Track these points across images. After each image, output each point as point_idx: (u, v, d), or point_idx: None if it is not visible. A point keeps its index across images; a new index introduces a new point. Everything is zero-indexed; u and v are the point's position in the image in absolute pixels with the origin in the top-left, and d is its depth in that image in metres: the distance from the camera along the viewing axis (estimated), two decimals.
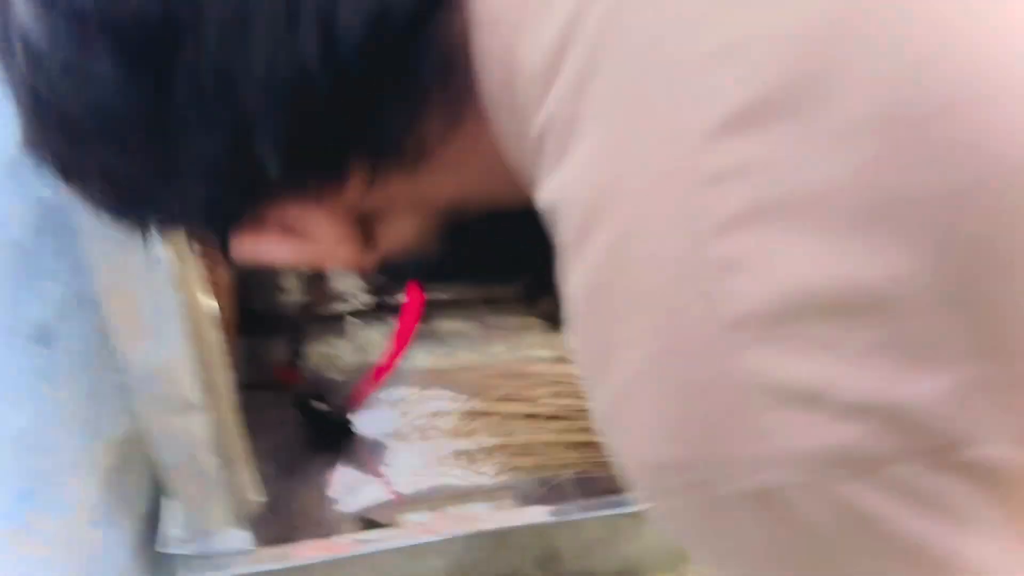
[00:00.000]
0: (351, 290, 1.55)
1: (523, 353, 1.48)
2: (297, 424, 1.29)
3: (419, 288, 1.19)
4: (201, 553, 0.98)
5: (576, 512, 1.10)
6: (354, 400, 1.31)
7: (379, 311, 1.54)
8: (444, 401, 1.36)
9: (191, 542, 0.98)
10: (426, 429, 1.31)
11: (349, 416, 1.32)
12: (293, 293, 1.45)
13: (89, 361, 0.93)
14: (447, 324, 1.55)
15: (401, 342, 1.22)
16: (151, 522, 1.05)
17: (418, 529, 1.08)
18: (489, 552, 1.09)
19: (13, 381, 0.74)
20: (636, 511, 1.10)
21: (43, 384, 0.79)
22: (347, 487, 1.22)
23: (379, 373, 1.27)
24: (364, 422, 1.31)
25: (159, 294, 0.77)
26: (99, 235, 0.73)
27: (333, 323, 1.50)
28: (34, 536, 0.74)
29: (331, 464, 1.27)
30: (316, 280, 1.43)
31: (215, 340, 0.85)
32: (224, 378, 0.88)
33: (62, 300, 0.86)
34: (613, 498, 1.11)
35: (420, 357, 1.47)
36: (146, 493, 1.05)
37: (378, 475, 1.24)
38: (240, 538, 0.98)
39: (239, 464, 0.93)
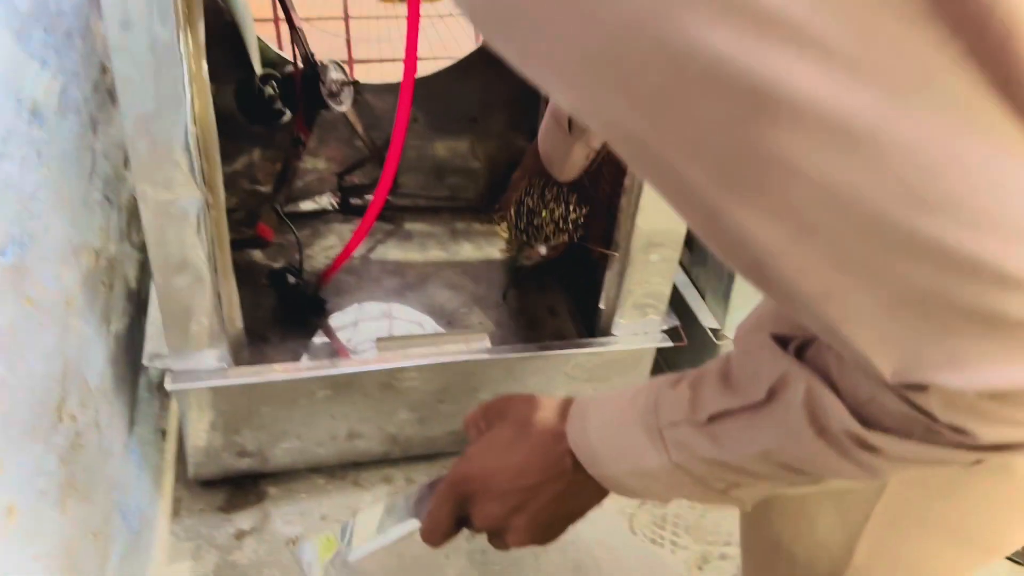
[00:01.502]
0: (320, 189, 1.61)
1: (486, 252, 1.54)
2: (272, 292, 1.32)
3: (384, 191, 1.25)
4: (182, 369, 1.01)
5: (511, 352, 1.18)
6: (323, 279, 1.35)
7: (344, 209, 1.61)
8: None
9: (172, 359, 1.00)
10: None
11: (320, 294, 1.36)
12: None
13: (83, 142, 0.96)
14: (418, 226, 1.61)
15: (362, 232, 1.27)
16: (128, 340, 1.08)
17: (380, 358, 1.12)
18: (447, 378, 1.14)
19: (18, 146, 0.77)
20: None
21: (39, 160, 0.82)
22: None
23: (342, 257, 1.32)
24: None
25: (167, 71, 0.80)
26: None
27: (305, 219, 1.56)
28: (29, 283, 0.76)
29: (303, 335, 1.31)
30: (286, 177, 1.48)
31: (212, 133, 0.88)
32: (218, 174, 0.90)
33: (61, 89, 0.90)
34: None
35: (393, 252, 1.53)
36: (122, 312, 1.07)
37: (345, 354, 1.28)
38: (218, 357, 1.01)
39: (224, 283, 0.96)
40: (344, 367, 1.09)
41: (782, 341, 0.45)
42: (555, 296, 1.46)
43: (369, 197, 1.58)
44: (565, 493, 0.54)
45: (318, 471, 1.19)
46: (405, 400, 1.15)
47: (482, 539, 1.08)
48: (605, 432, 0.52)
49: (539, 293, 1.46)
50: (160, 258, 0.90)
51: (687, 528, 1.13)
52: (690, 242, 1.20)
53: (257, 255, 1.44)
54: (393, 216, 1.61)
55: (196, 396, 1.04)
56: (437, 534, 0.57)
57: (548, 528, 0.56)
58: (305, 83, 1.29)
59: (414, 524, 0.58)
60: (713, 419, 0.46)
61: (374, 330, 1.34)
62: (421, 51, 1.08)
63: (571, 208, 1.16)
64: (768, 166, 0.31)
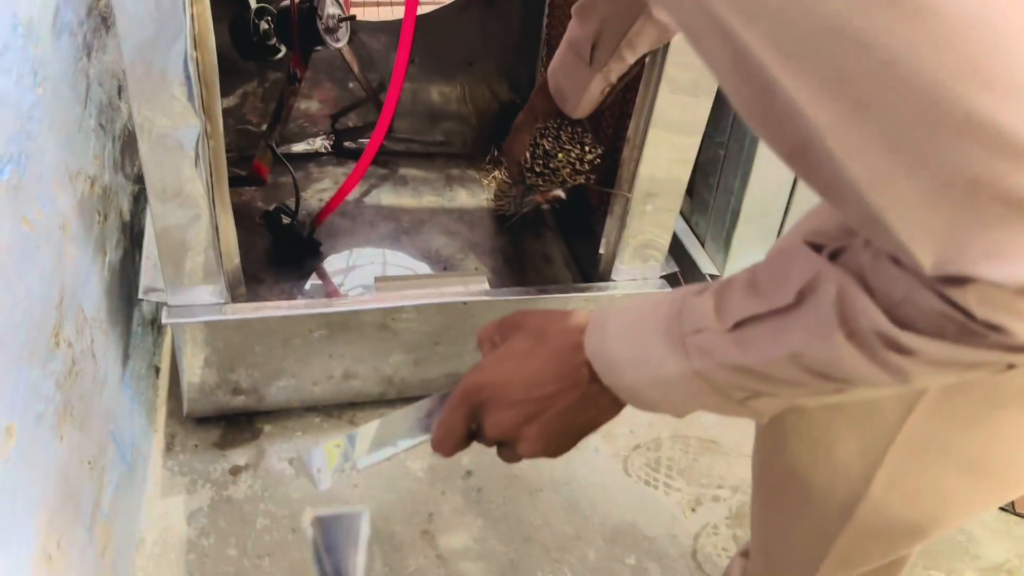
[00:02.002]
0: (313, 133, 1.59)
1: (481, 199, 1.53)
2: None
3: (382, 131, 1.23)
4: (178, 304, 1.00)
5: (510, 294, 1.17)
6: (318, 221, 1.34)
7: (338, 152, 1.59)
8: None
9: (168, 293, 0.99)
10: None
11: (314, 236, 1.34)
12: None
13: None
14: (412, 171, 1.59)
15: (359, 172, 1.25)
16: (122, 273, 1.07)
17: (378, 297, 1.12)
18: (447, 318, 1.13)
19: (14, 62, 0.74)
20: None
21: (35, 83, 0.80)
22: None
23: (338, 197, 1.30)
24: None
25: None
26: None
27: (298, 161, 1.54)
28: (25, 203, 0.75)
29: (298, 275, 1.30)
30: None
31: (212, 59, 0.86)
32: (217, 103, 0.88)
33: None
34: None
35: (387, 197, 1.51)
36: (116, 243, 1.06)
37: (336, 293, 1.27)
38: (214, 292, 1.00)
39: (222, 216, 0.95)
40: (341, 306, 1.08)
41: (815, 248, 0.44)
42: (550, 244, 1.45)
43: (364, 140, 1.56)
44: (580, 404, 0.54)
45: (314, 410, 1.18)
46: (401, 341, 1.14)
47: (478, 478, 1.10)
48: (625, 341, 0.51)
49: (535, 240, 1.45)
50: (157, 188, 0.89)
51: (680, 471, 1.14)
52: (691, 189, 1.19)
53: (251, 196, 1.42)
54: (387, 161, 1.60)
55: (192, 331, 1.03)
56: (449, 442, 0.57)
57: (560, 439, 0.55)
58: (302, 18, 1.26)
59: (424, 436, 0.57)
60: (739, 325, 0.45)
61: (368, 273, 1.33)
62: None
63: (587, 149, 1.14)
64: (829, 34, 0.31)
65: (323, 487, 0.49)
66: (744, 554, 0.85)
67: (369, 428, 0.53)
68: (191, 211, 0.91)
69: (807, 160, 0.37)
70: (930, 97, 0.30)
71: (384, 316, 1.10)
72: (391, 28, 1.57)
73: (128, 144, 1.15)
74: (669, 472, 1.14)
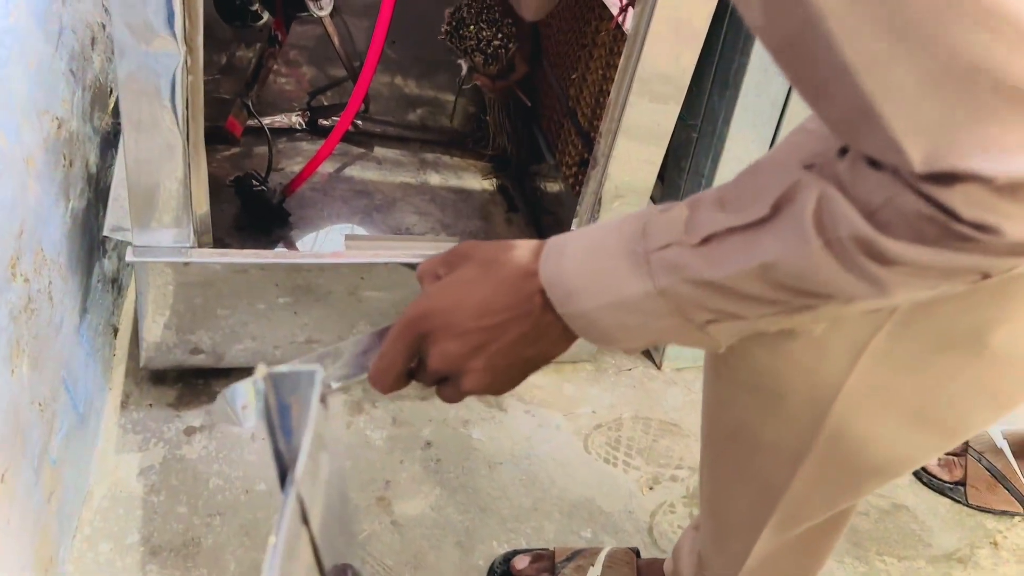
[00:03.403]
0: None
1: (453, 183, 1.53)
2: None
3: (359, 96, 1.23)
4: (144, 244, 0.98)
5: None
6: (289, 189, 1.33)
7: (312, 129, 1.58)
8: None
9: (135, 232, 0.97)
10: None
11: (284, 205, 1.33)
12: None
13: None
14: (387, 152, 1.59)
15: (334, 139, 1.25)
16: (85, 222, 1.05)
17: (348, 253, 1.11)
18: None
19: None
20: None
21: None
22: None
23: (311, 166, 1.30)
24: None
25: None
26: None
27: (272, 135, 1.53)
28: None
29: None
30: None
31: None
32: (199, 35, 0.87)
33: None
34: None
35: (361, 175, 1.51)
36: (80, 192, 1.04)
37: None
38: (181, 236, 0.99)
39: (195, 156, 0.93)
40: (310, 258, 1.07)
41: (782, 163, 0.44)
42: (521, 231, 1.45)
43: (338, 119, 1.56)
44: (529, 335, 0.51)
45: None
46: (367, 309, 1.14)
47: (437, 449, 1.09)
48: (584, 263, 0.49)
49: (505, 225, 1.45)
50: (132, 116, 0.87)
51: (640, 451, 1.14)
52: (662, 174, 1.20)
53: (221, 162, 1.41)
54: (362, 142, 1.59)
55: (156, 273, 1.01)
56: (389, 376, 0.53)
57: (506, 373, 0.53)
58: None
59: (359, 375, 0.53)
60: (708, 240, 0.44)
61: (337, 246, 1.32)
62: None
63: (498, 35, 1.18)
64: None
65: (247, 425, 0.47)
66: (696, 527, 0.85)
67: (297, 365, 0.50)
68: (164, 144, 0.89)
69: (803, 49, 0.36)
70: None
71: (351, 281, 1.09)
72: (373, 11, 1.57)
73: (98, 96, 1.13)
74: (628, 451, 1.14)
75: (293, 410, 0.33)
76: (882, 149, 0.36)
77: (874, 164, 0.38)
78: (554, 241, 0.51)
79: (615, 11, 1.10)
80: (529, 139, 1.52)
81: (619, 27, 1.08)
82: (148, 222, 0.96)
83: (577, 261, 0.49)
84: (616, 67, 1.05)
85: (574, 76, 1.27)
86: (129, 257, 0.97)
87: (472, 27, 1.20)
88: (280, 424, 0.33)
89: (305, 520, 0.30)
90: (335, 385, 0.53)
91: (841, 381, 0.55)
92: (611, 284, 0.48)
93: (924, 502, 1.14)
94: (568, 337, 0.52)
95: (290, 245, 1.32)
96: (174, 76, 0.85)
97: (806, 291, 0.43)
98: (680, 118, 1.05)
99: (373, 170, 1.53)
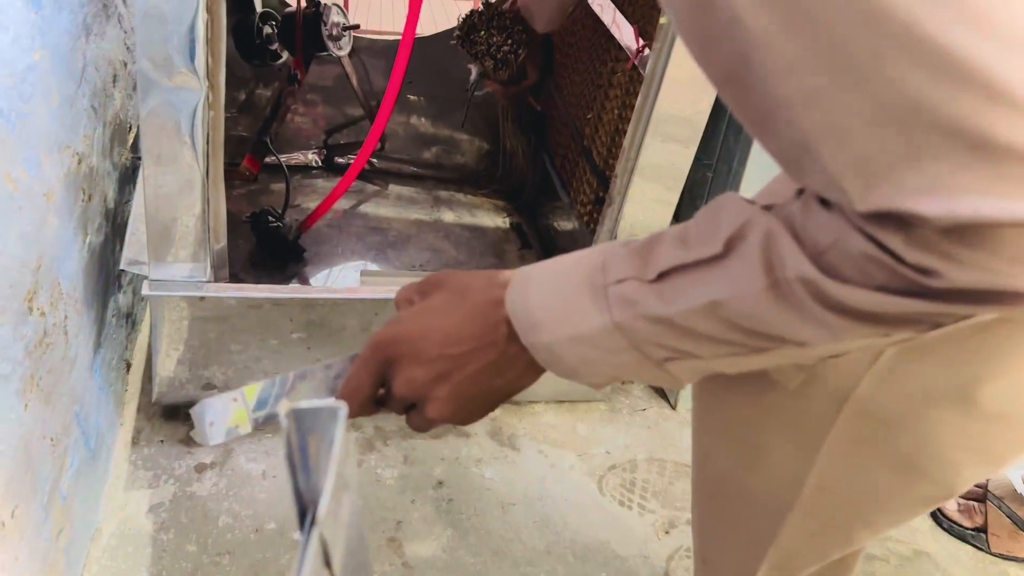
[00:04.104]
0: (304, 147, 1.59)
1: (467, 220, 1.53)
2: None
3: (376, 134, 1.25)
4: (159, 277, 0.98)
5: None
6: (304, 226, 1.33)
7: (328, 167, 1.59)
8: None
9: (152, 266, 0.98)
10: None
11: (299, 241, 1.34)
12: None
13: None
14: (402, 190, 1.59)
15: (350, 176, 1.25)
16: (102, 257, 1.05)
17: (363, 289, 1.11)
18: None
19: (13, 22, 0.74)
20: None
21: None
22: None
23: (327, 203, 1.30)
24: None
25: None
26: None
27: (290, 172, 1.54)
28: (12, 162, 0.74)
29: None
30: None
31: (221, 25, 0.85)
32: (221, 73, 0.88)
33: None
34: None
35: (375, 211, 1.51)
36: (98, 227, 1.04)
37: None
38: (198, 269, 0.99)
39: (214, 191, 0.94)
40: (326, 293, 1.07)
41: (745, 200, 0.43)
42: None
43: (353, 156, 1.57)
44: (495, 365, 0.50)
45: None
46: None
47: (449, 489, 1.07)
48: (546, 294, 0.48)
49: (520, 262, 1.45)
50: (153, 151, 0.88)
51: (655, 494, 1.13)
52: (678, 212, 1.20)
53: (237, 199, 1.42)
54: (377, 179, 1.60)
55: (171, 307, 1.00)
56: (355, 400, 0.52)
57: (471, 403, 0.52)
58: (307, 22, 1.28)
59: (329, 398, 0.52)
60: (663, 275, 0.43)
61: (351, 282, 1.32)
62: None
63: (508, 41, 1.21)
64: None
65: (213, 442, 0.46)
66: None
67: (269, 384, 0.50)
68: (184, 179, 0.90)
69: (741, 82, 0.35)
70: (871, 9, 0.29)
71: (368, 311, 1.09)
72: (390, 52, 1.59)
73: (118, 132, 1.14)
74: (644, 494, 1.12)
75: (312, 447, 0.33)
76: (824, 185, 0.35)
77: (824, 203, 0.37)
78: (521, 271, 0.50)
79: (631, 53, 1.11)
80: (542, 169, 1.52)
81: (635, 68, 1.09)
82: (165, 256, 0.96)
83: (541, 292, 0.48)
84: (632, 107, 1.05)
85: (589, 116, 1.28)
86: (145, 291, 0.97)
87: (483, 32, 1.22)
88: (300, 462, 0.33)
89: (327, 563, 0.29)
90: (304, 406, 0.52)
91: (824, 433, 0.54)
92: (571, 317, 0.47)
93: (945, 549, 1.11)
94: (535, 369, 0.51)
95: (304, 281, 1.32)
96: (195, 112, 0.85)
97: (757, 332, 0.42)
98: (696, 158, 1.05)
99: (388, 207, 1.54)
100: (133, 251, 0.99)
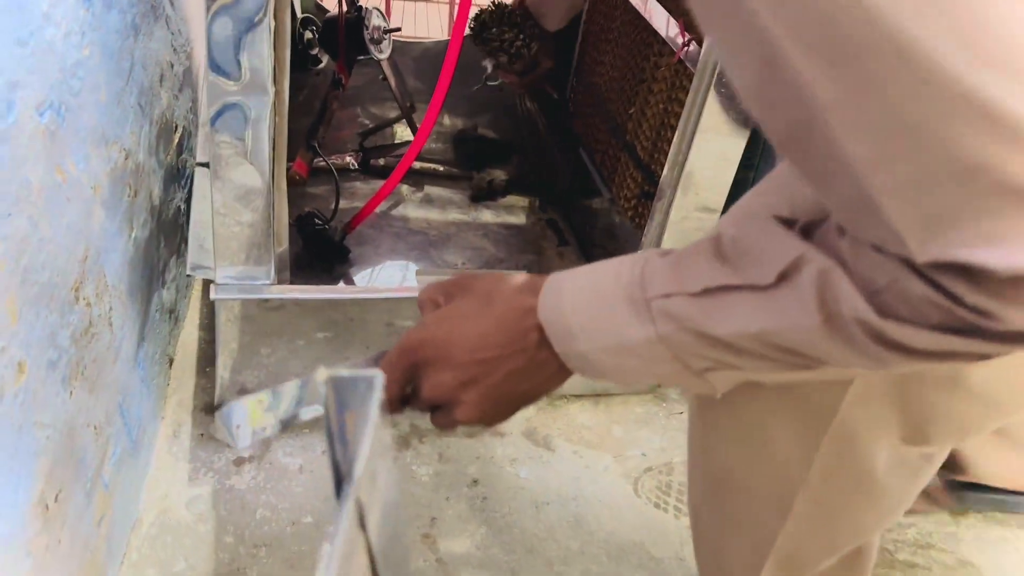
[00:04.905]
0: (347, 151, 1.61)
1: (506, 219, 1.54)
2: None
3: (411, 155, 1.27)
4: (225, 281, 1.00)
5: None
6: (349, 227, 1.35)
7: (364, 169, 1.61)
8: None
9: (216, 269, 1.00)
10: None
11: (344, 241, 1.35)
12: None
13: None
14: (439, 192, 1.60)
15: (387, 190, 1.27)
16: (146, 252, 1.07)
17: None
18: None
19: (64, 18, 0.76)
20: None
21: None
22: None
23: (371, 205, 1.31)
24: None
25: None
26: None
27: (326, 175, 1.56)
28: (61, 153, 0.76)
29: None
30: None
31: (285, 33, 0.87)
32: (286, 80, 0.90)
33: None
34: None
35: (414, 213, 1.52)
36: (144, 222, 1.06)
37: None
38: (261, 272, 1.00)
39: (278, 196, 0.95)
40: (389, 293, 1.08)
41: (786, 223, 0.44)
42: (572, 263, 1.44)
43: (391, 158, 1.58)
44: (523, 371, 0.51)
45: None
46: None
47: (484, 487, 1.07)
48: (583, 306, 0.49)
49: (559, 260, 1.45)
50: (220, 158, 0.90)
51: None
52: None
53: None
54: (414, 181, 1.61)
55: (233, 310, 1.02)
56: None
57: (499, 406, 0.53)
58: (349, 26, 1.29)
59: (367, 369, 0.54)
60: (708, 291, 0.44)
61: (396, 281, 1.33)
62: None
63: (520, 36, 1.24)
64: (839, 10, 0.31)
65: (241, 444, 0.47)
66: None
67: (294, 385, 0.51)
68: (250, 185, 0.92)
69: (803, 143, 0.36)
70: (931, 73, 0.30)
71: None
72: (428, 55, 1.61)
73: (164, 131, 1.17)
74: (680, 497, 1.11)
75: (349, 417, 0.33)
76: (884, 239, 0.36)
77: (877, 246, 0.37)
78: (552, 279, 0.52)
79: (677, 47, 1.10)
80: (575, 165, 1.53)
81: (681, 62, 1.09)
82: (230, 260, 0.98)
83: (575, 302, 0.49)
84: (677, 101, 1.05)
85: (631, 111, 1.28)
86: (213, 295, 0.99)
87: (494, 30, 1.25)
88: (338, 432, 0.33)
89: (363, 525, 0.29)
90: (342, 373, 0.53)
91: (828, 421, 0.55)
92: (611, 328, 0.48)
93: (991, 560, 1.09)
94: (563, 373, 0.53)
95: (349, 281, 1.33)
96: (262, 119, 0.87)
97: (805, 355, 0.43)
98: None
99: (426, 208, 1.55)
100: (196, 256, 1.00)
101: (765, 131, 0.39)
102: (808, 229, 0.42)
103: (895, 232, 0.34)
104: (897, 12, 0.30)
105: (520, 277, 0.54)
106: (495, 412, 0.53)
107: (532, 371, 0.52)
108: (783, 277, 0.42)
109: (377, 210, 1.47)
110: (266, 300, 1.01)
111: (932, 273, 0.34)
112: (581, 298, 0.49)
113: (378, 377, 0.32)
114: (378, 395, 0.32)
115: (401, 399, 0.54)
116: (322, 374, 0.32)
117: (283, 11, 0.85)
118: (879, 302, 0.37)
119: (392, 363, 0.53)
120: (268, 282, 1.01)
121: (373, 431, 0.30)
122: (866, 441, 0.55)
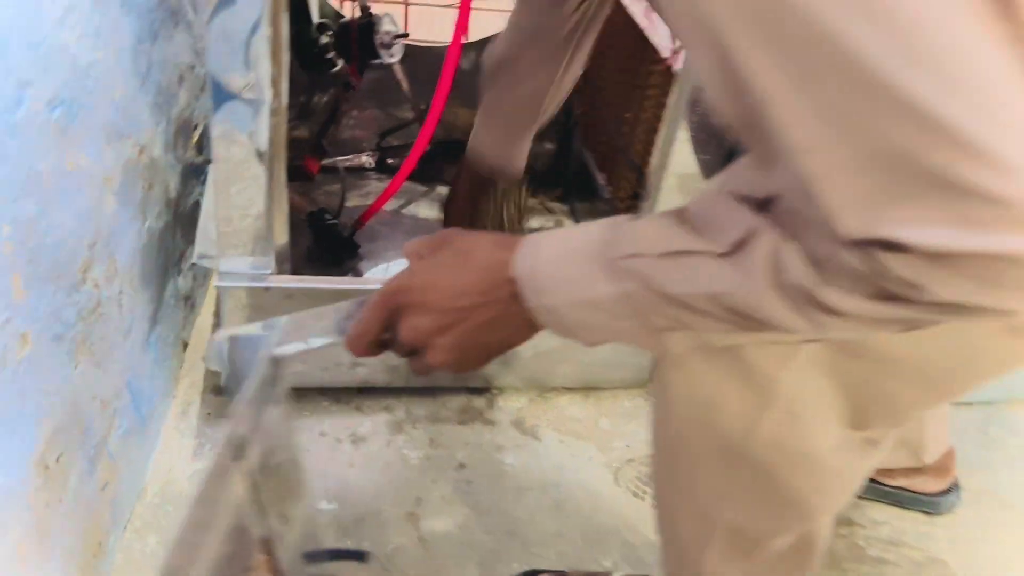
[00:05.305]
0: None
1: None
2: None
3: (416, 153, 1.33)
4: (227, 270, 1.07)
5: None
6: (359, 223, 1.41)
7: (381, 168, 1.67)
8: None
9: (219, 259, 1.06)
10: None
11: (354, 237, 1.41)
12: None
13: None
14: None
15: (393, 187, 1.33)
16: (161, 240, 1.15)
17: None
18: None
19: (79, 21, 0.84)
20: None
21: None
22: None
23: (381, 200, 1.37)
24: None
25: None
26: None
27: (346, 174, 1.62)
28: (72, 148, 0.83)
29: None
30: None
31: (283, 34, 0.93)
32: (285, 81, 0.96)
33: None
34: None
35: (425, 211, 1.58)
36: (159, 214, 1.14)
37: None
38: (262, 263, 1.07)
39: (277, 190, 1.02)
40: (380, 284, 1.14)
41: (744, 199, 0.48)
42: None
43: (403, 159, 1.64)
44: (495, 321, 0.56)
45: (323, 393, 1.23)
46: None
47: (470, 471, 1.12)
48: (555, 261, 0.53)
49: None
50: (222, 153, 0.96)
51: None
52: None
53: (293, 199, 1.50)
54: (425, 180, 1.66)
55: (236, 297, 1.09)
56: (363, 341, 0.58)
57: (468, 354, 0.57)
58: (360, 31, 1.36)
59: (338, 338, 0.58)
60: (671, 254, 0.49)
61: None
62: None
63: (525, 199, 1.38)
64: (782, 8, 0.36)
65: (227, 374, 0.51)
66: None
67: (286, 320, 0.54)
68: (251, 180, 0.99)
69: (754, 129, 0.41)
70: (867, 72, 0.35)
71: None
72: (441, 61, 1.66)
73: (182, 130, 1.24)
74: None
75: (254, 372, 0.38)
76: (822, 216, 0.40)
77: (818, 223, 0.42)
78: (530, 238, 0.56)
79: (666, 53, 1.14)
80: (579, 164, 1.58)
81: (669, 68, 1.13)
82: (233, 250, 1.04)
83: (550, 260, 0.54)
84: (666, 106, 1.09)
85: (627, 115, 1.32)
86: (216, 282, 1.06)
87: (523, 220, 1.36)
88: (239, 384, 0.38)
89: (239, 458, 0.35)
90: (316, 343, 0.57)
91: (773, 390, 0.57)
92: (581, 283, 0.52)
93: (962, 558, 1.10)
94: (531, 328, 0.57)
95: (357, 275, 1.39)
96: (261, 118, 0.94)
97: (754, 319, 0.47)
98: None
99: (436, 206, 1.60)
100: (203, 246, 1.08)
101: (723, 116, 0.44)
102: (763, 204, 0.46)
103: (829, 212, 0.39)
104: (831, 12, 0.34)
105: (501, 235, 0.58)
106: (465, 359, 0.58)
107: (502, 322, 0.56)
108: (738, 246, 0.46)
109: (390, 208, 1.53)
110: (267, 289, 1.08)
111: (864, 247, 0.39)
112: (555, 255, 0.54)
113: (275, 328, 0.37)
114: (267, 350, 0.37)
115: (380, 342, 0.59)
116: (221, 334, 0.38)
117: (279, 19, 0.91)
118: (821, 272, 0.42)
119: (375, 306, 0.58)
120: (268, 272, 1.07)
121: (257, 380, 0.36)
122: (808, 419, 0.58)
